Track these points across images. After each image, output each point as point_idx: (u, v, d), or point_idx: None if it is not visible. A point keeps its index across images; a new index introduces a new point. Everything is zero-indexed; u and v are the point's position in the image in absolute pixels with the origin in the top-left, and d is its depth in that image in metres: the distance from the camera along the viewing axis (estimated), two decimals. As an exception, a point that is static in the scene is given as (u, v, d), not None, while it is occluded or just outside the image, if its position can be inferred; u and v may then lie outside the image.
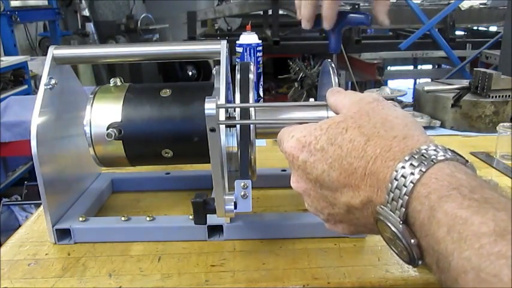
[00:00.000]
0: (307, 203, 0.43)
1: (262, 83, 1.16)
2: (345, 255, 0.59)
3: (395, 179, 0.33)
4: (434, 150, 0.33)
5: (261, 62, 1.15)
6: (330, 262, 0.58)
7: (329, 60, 0.67)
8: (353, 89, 3.46)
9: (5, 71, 2.81)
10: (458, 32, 3.42)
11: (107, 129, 0.61)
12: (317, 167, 0.38)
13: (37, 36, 4.29)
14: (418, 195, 0.31)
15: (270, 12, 3.29)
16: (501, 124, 0.91)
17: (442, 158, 0.33)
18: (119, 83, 0.68)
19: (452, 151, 0.34)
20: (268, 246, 0.61)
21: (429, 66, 4.17)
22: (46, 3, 3.86)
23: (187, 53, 0.67)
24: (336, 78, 0.63)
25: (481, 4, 3.57)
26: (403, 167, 0.33)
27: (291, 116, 0.67)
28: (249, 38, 1.12)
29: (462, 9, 3.33)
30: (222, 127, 0.56)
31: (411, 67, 3.89)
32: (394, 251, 0.35)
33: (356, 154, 0.36)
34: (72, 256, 0.60)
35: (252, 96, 0.59)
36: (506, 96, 1.07)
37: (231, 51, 0.81)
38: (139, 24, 4.75)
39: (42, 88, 0.63)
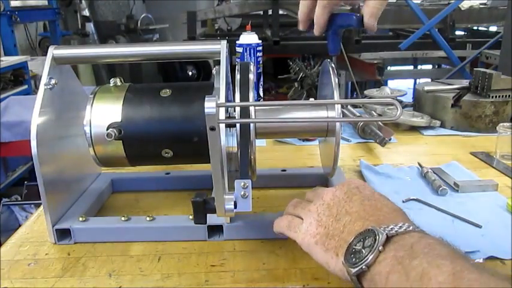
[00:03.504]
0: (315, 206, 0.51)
1: (262, 83, 1.16)
2: (345, 255, 0.59)
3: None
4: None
5: (261, 62, 1.15)
6: (330, 262, 0.58)
7: (329, 60, 0.67)
8: (353, 88, 3.47)
9: (5, 71, 2.81)
10: (458, 32, 3.41)
11: (107, 129, 0.61)
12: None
13: (37, 36, 4.29)
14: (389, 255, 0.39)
15: (270, 12, 3.29)
16: (501, 124, 0.91)
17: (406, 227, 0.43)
18: (119, 83, 0.68)
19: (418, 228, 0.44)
20: (268, 246, 0.61)
21: (429, 66, 4.17)
22: (46, 3, 3.86)
23: (187, 53, 0.67)
24: (336, 78, 0.63)
25: (481, 4, 3.56)
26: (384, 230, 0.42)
27: (291, 116, 0.67)
28: (249, 38, 1.12)
29: (462, 9, 3.33)
30: (222, 126, 0.56)
31: (411, 67, 3.88)
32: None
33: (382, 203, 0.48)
34: (72, 256, 0.60)
35: (252, 96, 0.59)
36: (506, 96, 1.07)
37: (231, 51, 0.81)
38: (139, 24, 4.75)
39: (42, 88, 0.63)
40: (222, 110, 0.57)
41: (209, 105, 0.47)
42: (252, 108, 0.61)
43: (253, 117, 0.61)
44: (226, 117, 0.59)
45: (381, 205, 0.47)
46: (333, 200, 0.50)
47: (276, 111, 0.67)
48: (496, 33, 3.10)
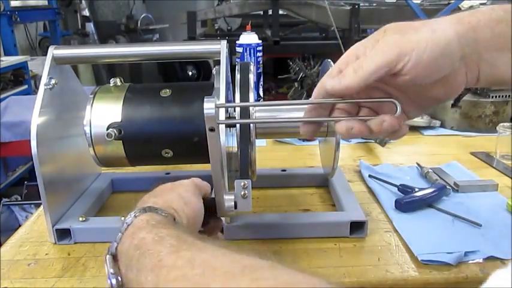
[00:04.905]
0: None
1: (262, 83, 1.16)
2: (345, 255, 0.59)
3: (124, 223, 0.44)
4: (155, 209, 0.45)
5: (261, 62, 1.15)
6: (330, 262, 0.58)
7: (329, 60, 0.67)
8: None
9: (5, 71, 2.80)
10: (458, 32, 3.41)
11: (107, 129, 0.61)
12: None
13: (37, 36, 4.29)
14: (127, 233, 0.42)
15: (270, 12, 3.29)
16: (501, 124, 0.91)
17: (149, 210, 0.45)
18: (119, 83, 0.68)
19: (154, 208, 0.46)
20: (268, 246, 0.61)
21: (429, 66, 4.17)
22: (46, 3, 3.85)
23: (187, 53, 0.67)
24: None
25: (481, 4, 3.56)
26: (130, 216, 0.44)
27: (291, 116, 0.67)
28: (249, 38, 1.12)
29: (462, 9, 3.33)
30: (222, 127, 0.56)
31: (411, 67, 3.88)
32: None
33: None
34: (72, 256, 0.60)
35: (252, 96, 0.59)
36: (506, 96, 1.06)
37: (231, 51, 0.81)
38: (139, 24, 4.75)
39: (42, 88, 0.63)
40: (222, 110, 0.57)
41: (208, 106, 0.47)
42: (252, 110, 0.61)
43: (253, 117, 0.61)
44: (226, 118, 0.59)
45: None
46: None
47: (276, 111, 0.67)
48: (496, 33, 3.10)
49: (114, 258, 0.41)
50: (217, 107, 0.47)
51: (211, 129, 0.48)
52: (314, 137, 0.53)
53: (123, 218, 0.45)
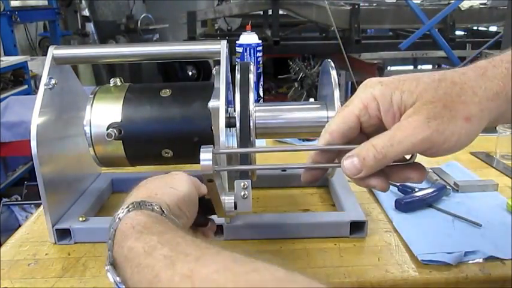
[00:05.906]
0: None
1: (262, 83, 1.16)
2: (345, 255, 0.59)
3: (110, 227, 0.42)
4: (138, 204, 0.43)
5: (261, 62, 1.15)
6: (330, 262, 0.58)
7: (329, 60, 0.67)
8: (353, 88, 3.46)
9: (5, 71, 2.80)
10: (458, 32, 3.41)
11: (107, 129, 0.61)
12: None
13: (37, 36, 4.29)
14: (116, 240, 0.41)
15: (270, 12, 3.29)
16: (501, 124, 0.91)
17: (132, 208, 0.43)
18: (118, 83, 0.68)
19: (137, 203, 0.44)
20: (268, 246, 0.61)
21: (429, 66, 4.16)
22: (46, 3, 3.85)
23: (187, 53, 0.67)
24: (336, 78, 0.63)
25: (481, 4, 3.56)
26: (115, 218, 0.42)
27: (291, 116, 0.67)
28: (249, 38, 1.11)
29: (462, 9, 3.33)
30: (222, 127, 0.56)
31: (411, 67, 3.88)
32: None
33: None
34: (72, 256, 0.60)
35: (252, 96, 0.59)
36: (506, 96, 1.06)
37: (231, 51, 0.81)
38: (139, 24, 4.75)
39: (42, 88, 0.63)
40: (222, 113, 0.57)
41: (205, 156, 0.43)
42: (252, 110, 0.60)
43: (253, 117, 0.61)
44: (227, 118, 0.59)
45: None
46: None
47: (277, 111, 0.66)
48: (496, 33, 3.10)
49: (115, 265, 0.40)
50: (215, 153, 0.44)
51: (210, 181, 0.45)
52: (316, 183, 0.51)
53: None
